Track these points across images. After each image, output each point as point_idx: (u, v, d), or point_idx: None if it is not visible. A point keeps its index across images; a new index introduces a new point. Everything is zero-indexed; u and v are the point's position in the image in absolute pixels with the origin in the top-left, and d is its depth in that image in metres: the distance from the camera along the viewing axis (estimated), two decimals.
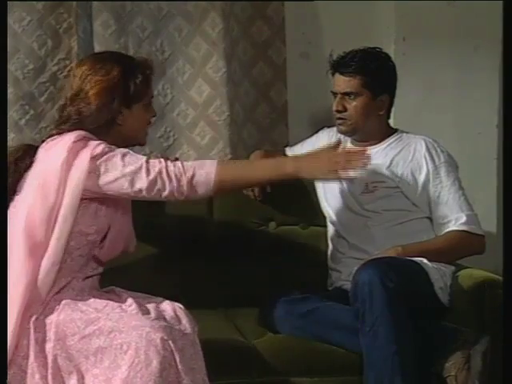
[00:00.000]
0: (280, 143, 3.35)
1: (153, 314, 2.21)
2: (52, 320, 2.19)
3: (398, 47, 3.45)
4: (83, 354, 2.15)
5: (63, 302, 2.23)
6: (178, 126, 3.28)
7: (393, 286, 2.42)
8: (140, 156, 2.30)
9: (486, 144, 3.53)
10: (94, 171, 2.25)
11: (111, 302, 2.26)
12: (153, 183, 2.26)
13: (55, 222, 2.23)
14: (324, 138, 3.01)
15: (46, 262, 2.21)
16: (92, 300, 2.27)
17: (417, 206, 2.80)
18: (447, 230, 2.75)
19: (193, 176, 2.27)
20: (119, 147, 2.33)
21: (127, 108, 2.36)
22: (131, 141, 2.42)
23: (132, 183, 2.26)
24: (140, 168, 2.26)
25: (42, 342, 2.18)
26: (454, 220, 2.74)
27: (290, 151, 3.15)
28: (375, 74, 2.79)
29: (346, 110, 2.81)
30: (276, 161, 2.57)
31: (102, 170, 2.25)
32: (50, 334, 2.18)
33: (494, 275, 2.63)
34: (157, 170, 2.26)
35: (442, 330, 2.54)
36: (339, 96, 2.82)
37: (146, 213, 2.87)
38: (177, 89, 3.28)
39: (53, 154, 2.28)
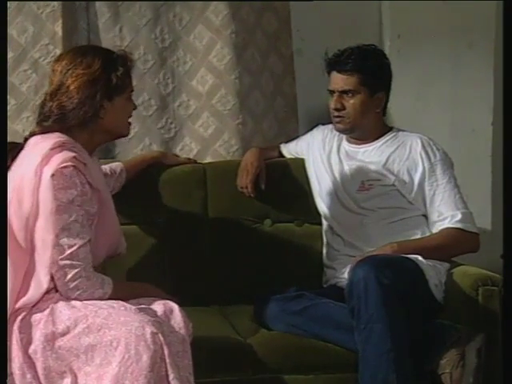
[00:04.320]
0: (291, 136, 3.24)
1: (142, 310, 2.19)
2: (38, 320, 2.16)
3: (393, 44, 3.45)
4: (73, 352, 2.14)
5: (50, 301, 2.20)
6: (180, 118, 3.19)
7: (388, 283, 2.42)
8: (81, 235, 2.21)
9: (480, 141, 3.54)
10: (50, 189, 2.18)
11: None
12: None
13: (33, 230, 2.18)
14: (319, 136, 3.01)
15: (35, 276, 2.18)
16: None
17: (412, 204, 2.80)
18: (442, 227, 2.75)
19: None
20: (103, 141, 2.39)
21: (109, 101, 2.31)
22: (114, 134, 2.40)
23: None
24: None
25: (26, 343, 2.15)
26: (450, 218, 2.74)
27: (284, 148, 3.14)
28: (372, 71, 2.79)
29: (344, 108, 2.81)
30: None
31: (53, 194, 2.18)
32: (37, 335, 2.15)
33: (488, 272, 2.63)
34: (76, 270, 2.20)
35: (436, 327, 2.54)
36: (337, 94, 2.81)
37: (141, 211, 2.88)
38: (178, 79, 3.19)
39: (31, 157, 2.23)
